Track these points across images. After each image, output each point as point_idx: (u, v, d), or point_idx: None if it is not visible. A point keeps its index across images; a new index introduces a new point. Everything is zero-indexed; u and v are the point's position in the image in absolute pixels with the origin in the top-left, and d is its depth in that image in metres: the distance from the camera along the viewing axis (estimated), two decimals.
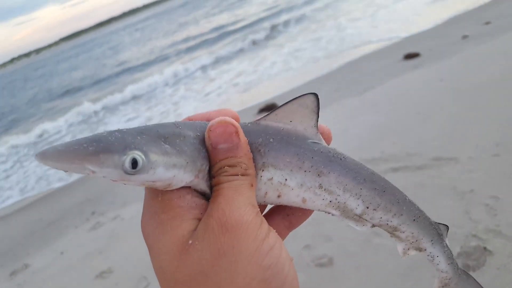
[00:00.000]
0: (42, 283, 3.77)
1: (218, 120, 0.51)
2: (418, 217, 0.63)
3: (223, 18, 24.89)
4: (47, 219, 5.58)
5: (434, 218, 2.40)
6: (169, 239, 0.48)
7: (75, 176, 7.17)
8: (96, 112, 12.92)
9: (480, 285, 0.70)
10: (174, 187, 0.50)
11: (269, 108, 6.07)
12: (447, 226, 0.68)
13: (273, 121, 0.58)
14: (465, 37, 6.38)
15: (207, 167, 0.52)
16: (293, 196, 0.55)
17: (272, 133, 0.56)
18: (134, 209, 4.55)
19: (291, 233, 2.37)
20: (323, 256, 2.60)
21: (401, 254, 0.64)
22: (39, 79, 38.15)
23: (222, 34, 19.39)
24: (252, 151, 0.54)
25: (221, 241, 0.45)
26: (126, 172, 0.46)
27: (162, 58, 19.42)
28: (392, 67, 6.21)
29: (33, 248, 4.74)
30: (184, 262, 0.46)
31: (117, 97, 13.42)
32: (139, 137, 0.48)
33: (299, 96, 0.59)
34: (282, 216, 0.60)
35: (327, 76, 7.49)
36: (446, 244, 0.67)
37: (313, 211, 0.60)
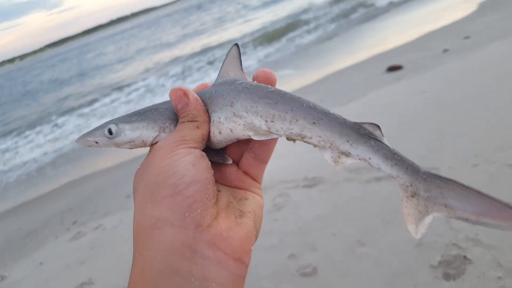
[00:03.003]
0: None
1: (172, 89, 0.69)
2: (320, 119, 0.63)
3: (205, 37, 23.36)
4: (27, 228, 5.44)
5: None
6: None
7: (54, 184, 7.05)
8: None
9: (472, 188, 0.57)
10: (149, 142, 0.70)
11: None
12: (376, 124, 0.63)
13: (220, 78, 0.75)
14: (445, 50, 6.57)
15: (172, 124, 0.70)
16: (225, 129, 0.68)
17: (215, 87, 0.73)
18: (117, 219, 4.48)
19: (276, 243, 2.39)
20: (308, 266, 2.61)
21: (333, 164, 0.64)
22: None
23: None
24: (205, 105, 0.70)
25: (148, 160, 0.63)
26: (108, 138, 0.70)
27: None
28: (376, 79, 6.33)
29: (11, 259, 4.61)
30: (134, 180, 0.65)
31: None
32: (120, 117, 0.72)
33: (228, 52, 0.75)
34: (247, 151, 0.73)
35: (312, 86, 7.58)
36: (381, 143, 0.62)
37: (271, 141, 0.71)
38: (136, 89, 14.68)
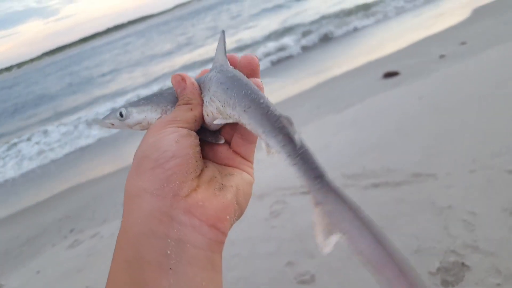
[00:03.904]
0: None
1: (173, 75, 0.75)
2: (249, 107, 0.63)
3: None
4: (23, 236, 5.40)
5: (414, 232, 2.41)
6: None
7: (53, 191, 7.01)
8: None
9: (370, 222, 0.51)
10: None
11: None
12: (288, 118, 0.59)
13: (213, 64, 0.78)
14: (442, 56, 6.60)
15: (173, 107, 0.74)
16: (209, 112, 0.71)
17: (209, 72, 0.76)
18: (114, 226, 4.45)
19: (273, 250, 2.38)
20: (306, 273, 2.59)
21: (266, 153, 0.63)
22: None
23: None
24: (201, 89, 0.74)
25: (144, 137, 0.68)
26: (120, 120, 0.78)
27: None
28: (372, 85, 6.35)
29: (7, 267, 4.57)
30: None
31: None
32: (131, 101, 0.79)
33: (219, 39, 0.79)
34: (236, 132, 0.76)
35: (308, 92, 7.59)
36: (290, 138, 0.58)
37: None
38: (125, 98, 14.88)
